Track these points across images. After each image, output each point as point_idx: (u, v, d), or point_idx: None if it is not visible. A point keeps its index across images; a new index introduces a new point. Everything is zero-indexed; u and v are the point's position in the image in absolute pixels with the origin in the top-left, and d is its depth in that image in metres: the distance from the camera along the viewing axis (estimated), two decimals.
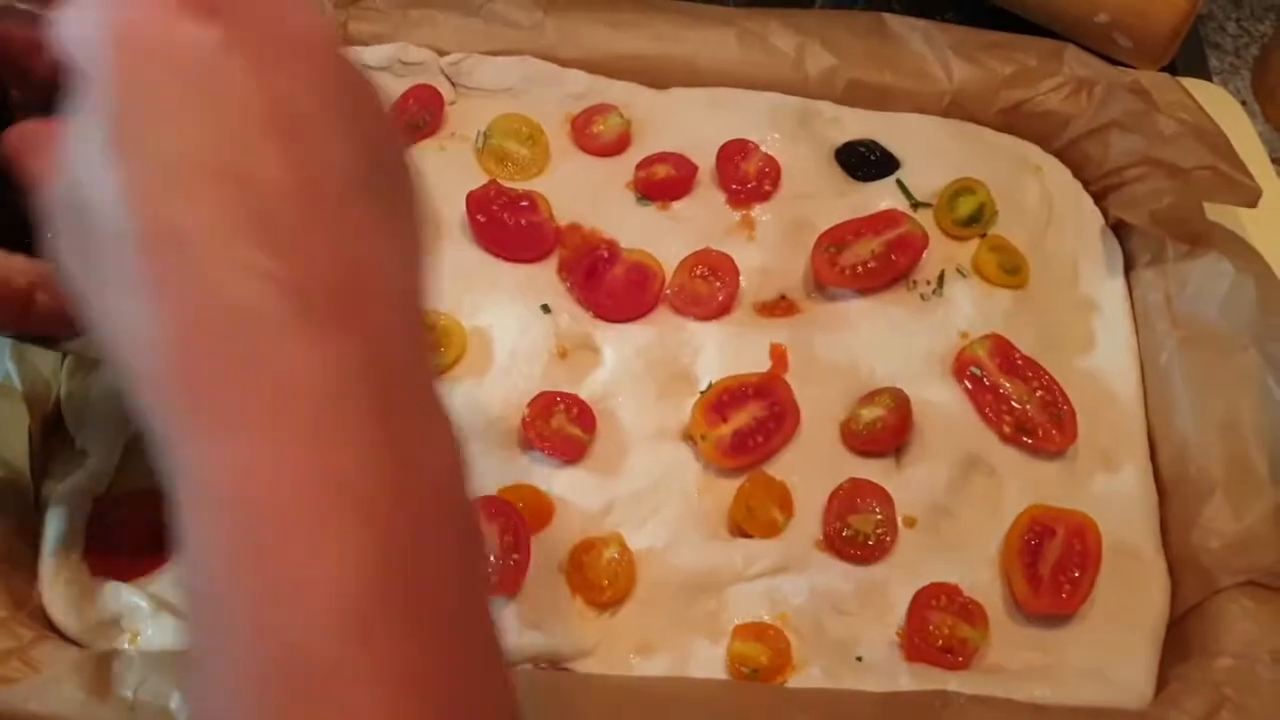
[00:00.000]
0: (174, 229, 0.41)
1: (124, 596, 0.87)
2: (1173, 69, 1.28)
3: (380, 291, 0.44)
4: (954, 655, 0.90)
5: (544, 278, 1.07)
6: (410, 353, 0.45)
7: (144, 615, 0.86)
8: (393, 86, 1.15)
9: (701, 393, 1.00)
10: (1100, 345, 1.09)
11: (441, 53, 1.16)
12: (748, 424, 0.98)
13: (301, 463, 0.40)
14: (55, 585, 0.87)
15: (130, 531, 0.90)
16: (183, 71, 0.42)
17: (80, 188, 0.42)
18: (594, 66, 1.17)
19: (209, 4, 0.42)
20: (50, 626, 0.86)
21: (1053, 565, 0.94)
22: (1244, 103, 1.33)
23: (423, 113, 1.13)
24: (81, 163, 0.42)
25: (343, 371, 0.41)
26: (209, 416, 0.41)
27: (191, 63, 0.42)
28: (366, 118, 0.46)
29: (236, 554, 0.41)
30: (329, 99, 0.44)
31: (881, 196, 1.13)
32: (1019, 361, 1.04)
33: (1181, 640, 0.93)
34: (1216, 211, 1.09)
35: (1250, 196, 1.07)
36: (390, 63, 1.15)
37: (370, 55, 1.15)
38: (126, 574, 0.89)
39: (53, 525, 0.89)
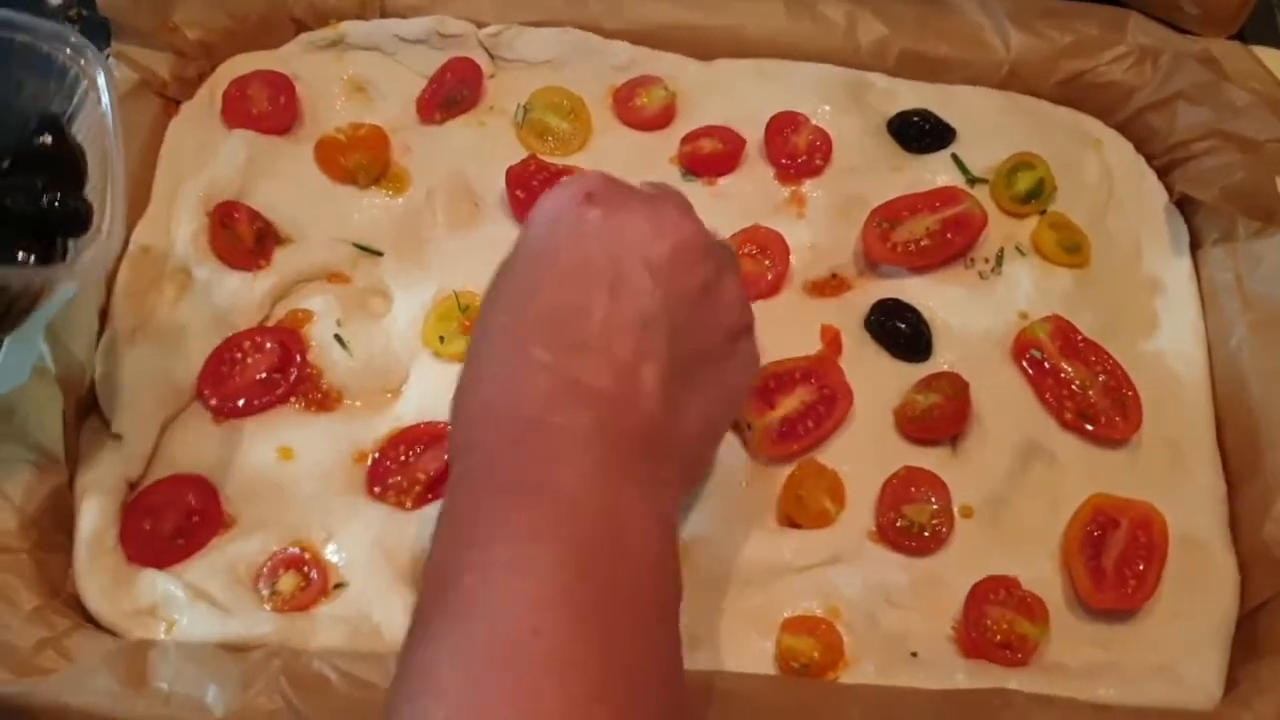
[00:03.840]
0: (509, 352, 0.69)
1: (160, 585, 0.85)
2: (1241, 37, 1.22)
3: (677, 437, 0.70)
4: (1013, 652, 0.87)
5: None
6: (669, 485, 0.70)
7: (180, 604, 0.84)
8: (431, 60, 1.12)
9: None
10: (1165, 327, 1.04)
11: (480, 24, 1.13)
12: (797, 409, 0.95)
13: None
14: (90, 573, 0.85)
15: (166, 517, 0.88)
16: (564, 235, 0.70)
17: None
18: (638, 37, 1.13)
19: (600, 196, 0.70)
20: (85, 615, 0.84)
21: (1116, 558, 0.90)
22: None
23: (461, 87, 1.10)
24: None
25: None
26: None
27: (573, 230, 0.69)
28: (687, 286, 0.70)
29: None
30: (658, 267, 0.68)
31: (936, 171, 1.09)
32: (1080, 344, 0.99)
33: (1252, 638, 0.90)
34: None
35: None
36: (428, 35, 1.12)
37: (407, 28, 1.12)
38: (162, 560, 0.87)
39: (87, 511, 0.87)
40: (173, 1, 1.07)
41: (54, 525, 0.86)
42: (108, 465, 0.89)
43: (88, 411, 0.92)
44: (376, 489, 0.91)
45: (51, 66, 0.84)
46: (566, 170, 1.05)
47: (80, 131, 0.84)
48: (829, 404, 0.95)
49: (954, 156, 1.10)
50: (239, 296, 0.98)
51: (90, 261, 0.80)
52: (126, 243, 0.98)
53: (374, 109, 1.10)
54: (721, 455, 0.94)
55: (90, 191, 0.82)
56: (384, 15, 1.13)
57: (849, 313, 1.02)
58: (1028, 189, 1.07)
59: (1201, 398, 1.01)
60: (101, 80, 0.84)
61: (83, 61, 0.84)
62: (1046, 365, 0.99)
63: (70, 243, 0.82)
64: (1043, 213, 1.08)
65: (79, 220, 0.80)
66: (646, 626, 0.60)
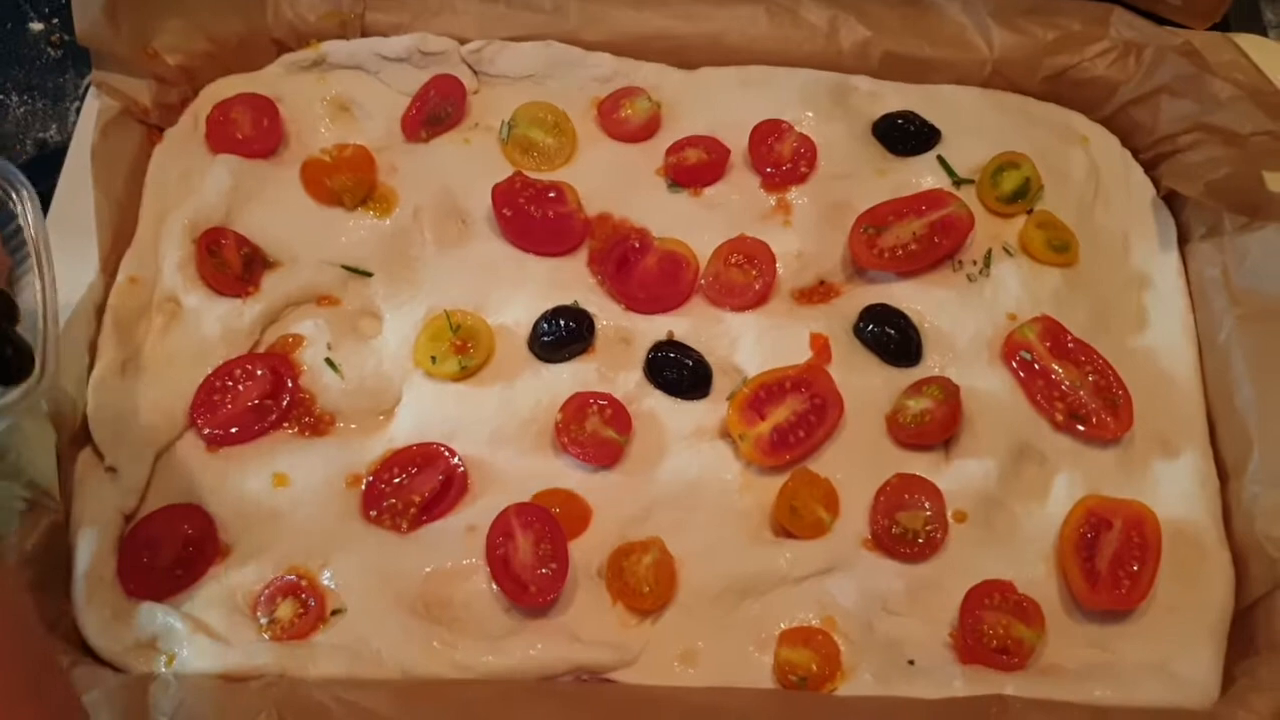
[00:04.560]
0: None
1: (159, 617, 0.85)
2: (1225, 25, 1.22)
3: None
4: (1009, 656, 0.87)
5: (574, 271, 1.04)
6: None
7: (180, 636, 0.84)
8: (413, 78, 1.12)
9: (731, 395, 0.97)
10: (1155, 324, 1.04)
11: (462, 41, 1.12)
12: (787, 419, 0.95)
13: None
14: (89, 608, 0.85)
15: (163, 549, 0.89)
16: None
17: None
18: (620, 48, 1.13)
19: None
20: (85, 650, 0.84)
21: (1110, 559, 0.91)
22: None
23: (445, 104, 1.10)
24: None
25: None
26: None
27: None
28: None
29: None
30: None
31: (922, 174, 1.09)
32: (1070, 344, 0.99)
33: (1248, 634, 0.90)
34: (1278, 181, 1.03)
35: None
36: (410, 54, 1.12)
37: (389, 47, 1.12)
38: (161, 592, 0.87)
39: (84, 546, 0.87)
40: (152, 28, 1.06)
41: (52, 561, 0.86)
42: (103, 499, 0.90)
43: (81, 445, 0.92)
44: (372, 513, 0.92)
45: None
46: (553, 185, 1.04)
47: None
48: (820, 413, 0.95)
49: (939, 158, 1.09)
50: (228, 323, 0.98)
51: (22, 396, 0.78)
52: (114, 274, 0.98)
53: (359, 129, 1.10)
54: (715, 466, 0.95)
55: (24, 329, 0.80)
56: (365, 34, 1.13)
57: (838, 320, 1.01)
58: (1014, 189, 1.07)
59: (1192, 393, 1.01)
60: (29, 211, 0.83)
61: (10, 191, 0.84)
62: (1037, 366, 0.99)
63: None
64: (1029, 211, 1.07)
65: (7, 366, 0.77)
66: None
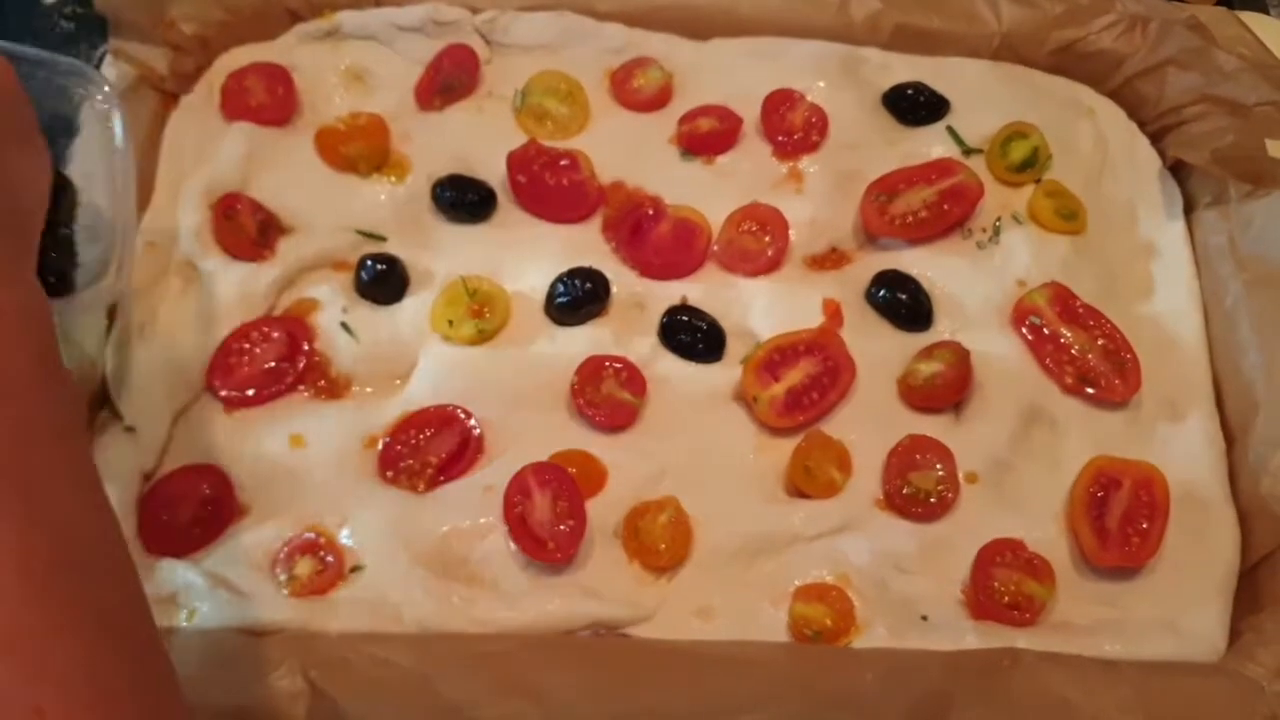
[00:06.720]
0: None
1: (179, 573, 0.86)
2: (1229, 2, 1.23)
3: None
4: (1020, 612, 0.88)
5: (588, 238, 1.05)
6: None
7: (200, 592, 0.85)
8: (427, 47, 1.12)
9: (746, 358, 0.98)
10: (1162, 290, 1.06)
11: (475, 10, 1.13)
12: (801, 381, 0.96)
13: None
14: None
15: (182, 507, 0.89)
16: None
17: None
18: (632, 19, 1.14)
19: None
20: None
21: (1120, 517, 0.92)
22: None
23: (458, 73, 1.11)
24: None
25: None
26: None
27: None
28: None
29: None
30: None
31: (932, 143, 1.10)
32: (1079, 309, 1.01)
33: (1253, 590, 0.91)
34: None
35: None
36: (423, 23, 1.12)
37: (402, 16, 1.12)
38: (181, 550, 0.88)
39: None
40: None
41: None
42: (122, 458, 0.90)
43: (100, 406, 0.93)
44: (389, 473, 0.93)
45: (66, 99, 0.81)
46: (567, 154, 1.05)
47: (81, 166, 0.81)
48: (833, 376, 0.96)
49: (949, 128, 1.11)
50: (245, 287, 0.99)
51: (91, 297, 0.79)
52: None
53: (372, 98, 1.11)
54: (729, 428, 0.96)
55: (78, 231, 0.79)
56: (379, 4, 1.13)
57: (850, 285, 1.03)
58: (1023, 158, 1.08)
59: (1198, 357, 1.02)
60: (117, 123, 0.83)
61: (99, 98, 0.82)
62: (1046, 331, 1.00)
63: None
64: (1038, 181, 1.08)
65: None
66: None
